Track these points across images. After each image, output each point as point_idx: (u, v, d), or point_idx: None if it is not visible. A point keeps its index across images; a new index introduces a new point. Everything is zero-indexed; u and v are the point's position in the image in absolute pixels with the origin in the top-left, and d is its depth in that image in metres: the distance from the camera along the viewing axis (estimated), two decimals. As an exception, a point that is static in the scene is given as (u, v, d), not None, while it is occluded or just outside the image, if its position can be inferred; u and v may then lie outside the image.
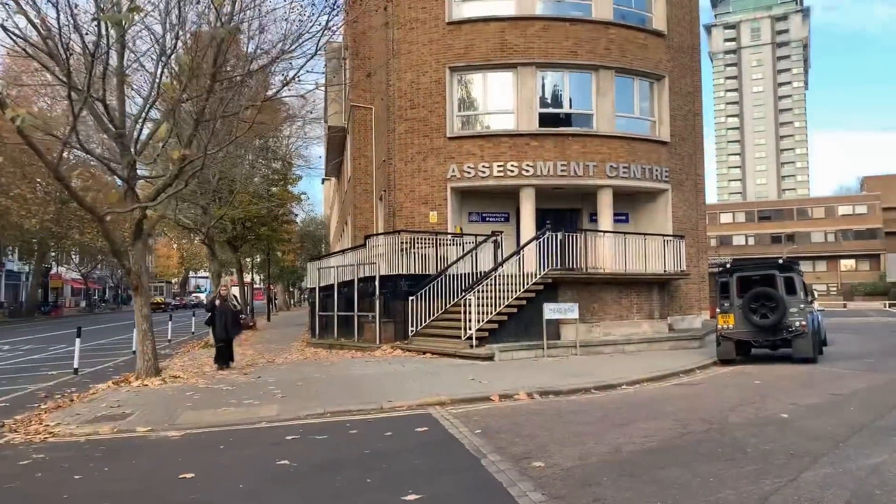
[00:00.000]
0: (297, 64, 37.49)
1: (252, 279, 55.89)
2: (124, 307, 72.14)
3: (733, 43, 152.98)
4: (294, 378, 12.60)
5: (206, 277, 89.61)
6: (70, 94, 9.19)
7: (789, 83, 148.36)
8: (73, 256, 64.05)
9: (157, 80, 11.73)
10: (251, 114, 13.63)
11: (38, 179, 41.12)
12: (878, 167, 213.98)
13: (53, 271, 65.32)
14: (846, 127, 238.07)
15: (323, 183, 63.50)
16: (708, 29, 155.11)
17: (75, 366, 15.34)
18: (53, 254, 58.91)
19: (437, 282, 17.20)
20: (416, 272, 18.05)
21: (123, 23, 8.65)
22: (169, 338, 24.80)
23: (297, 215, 42.94)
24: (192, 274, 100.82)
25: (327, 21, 11.50)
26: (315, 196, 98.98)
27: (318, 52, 12.10)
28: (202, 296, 79.45)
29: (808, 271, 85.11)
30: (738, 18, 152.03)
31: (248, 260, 47.99)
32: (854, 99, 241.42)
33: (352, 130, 25.01)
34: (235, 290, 29.02)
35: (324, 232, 63.80)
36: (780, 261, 15.27)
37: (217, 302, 15.02)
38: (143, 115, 11.81)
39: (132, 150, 12.48)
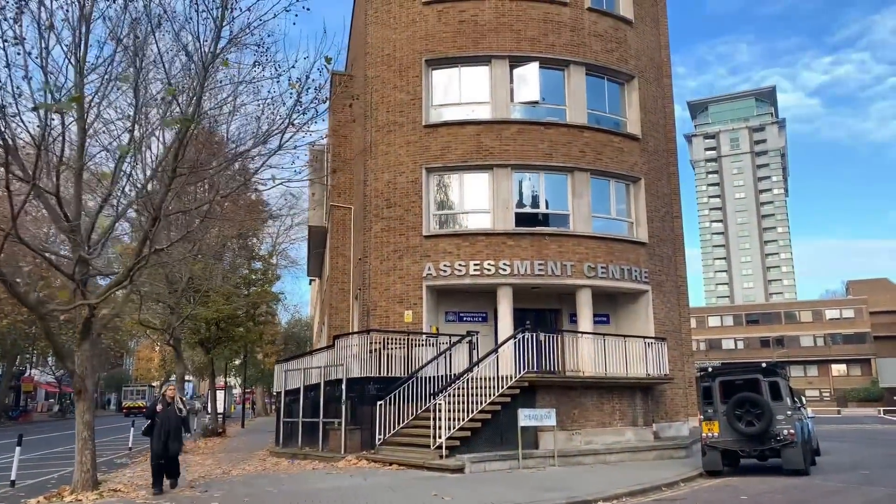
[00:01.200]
0: (269, 162, 37.86)
1: (227, 383, 54.09)
2: (100, 412, 69.49)
3: (714, 152, 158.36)
4: (242, 494, 11.54)
5: (189, 381, 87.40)
6: (8, 184, 8.78)
7: (770, 190, 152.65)
8: (49, 359, 62.29)
9: (114, 175, 11.41)
10: (217, 211, 13.23)
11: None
12: (861, 273, 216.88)
13: (26, 374, 63.27)
14: (828, 234, 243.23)
15: (310, 284, 63.01)
16: (689, 138, 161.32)
17: (12, 477, 14.17)
18: (27, 356, 57.19)
19: (409, 385, 16.37)
20: (389, 374, 17.25)
21: (64, 112, 8.38)
22: (129, 445, 23.38)
23: (274, 315, 42.03)
24: (172, 378, 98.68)
25: (288, 116, 11.35)
26: (302, 297, 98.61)
27: (282, 149, 11.91)
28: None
29: (799, 376, 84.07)
30: (717, 129, 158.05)
31: (226, 363, 46.55)
32: (833, 207, 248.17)
33: (331, 230, 24.85)
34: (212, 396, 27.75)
35: (309, 334, 62.71)
36: (764, 365, 14.62)
37: (158, 407, 12.40)
38: (99, 209, 11.40)
39: (86, 245, 11.99)
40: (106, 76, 10.58)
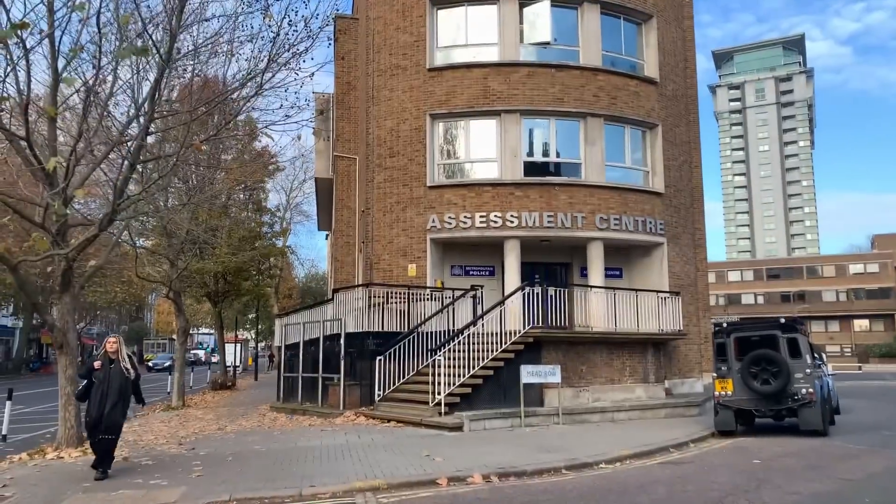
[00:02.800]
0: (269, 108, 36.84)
1: (238, 336, 54.21)
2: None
3: (738, 103, 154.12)
4: (228, 452, 11.10)
5: (210, 334, 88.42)
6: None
7: (795, 142, 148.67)
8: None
9: (84, 120, 10.66)
10: (203, 158, 12.49)
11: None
12: (887, 227, 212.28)
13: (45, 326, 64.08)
14: (854, 188, 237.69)
15: (326, 238, 62.64)
16: (712, 89, 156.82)
17: (3, 432, 13.95)
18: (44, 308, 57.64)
19: (410, 340, 15.79)
20: (390, 329, 16.68)
21: (7, 38, 7.62)
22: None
23: (285, 269, 41.65)
24: (193, 330, 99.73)
25: (269, 53, 10.47)
26: (320, 251, 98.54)
27: (263, 89, 11.06)
28: (200, 353, 77.92)
29: (820, 331, 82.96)
30: (743, 79, 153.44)
31: (236, 317, 46.52)
32: (860, 160, 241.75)
33: (336, 182, 24.08)
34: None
35: (325, 288, 62.72)
36: (783, 320, 13.77)
37: (96, 364, 9.22)
38: (72, 151, 10.68)
39: (65, 195, 11.33)
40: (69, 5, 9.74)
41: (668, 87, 20.65)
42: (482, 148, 19.35)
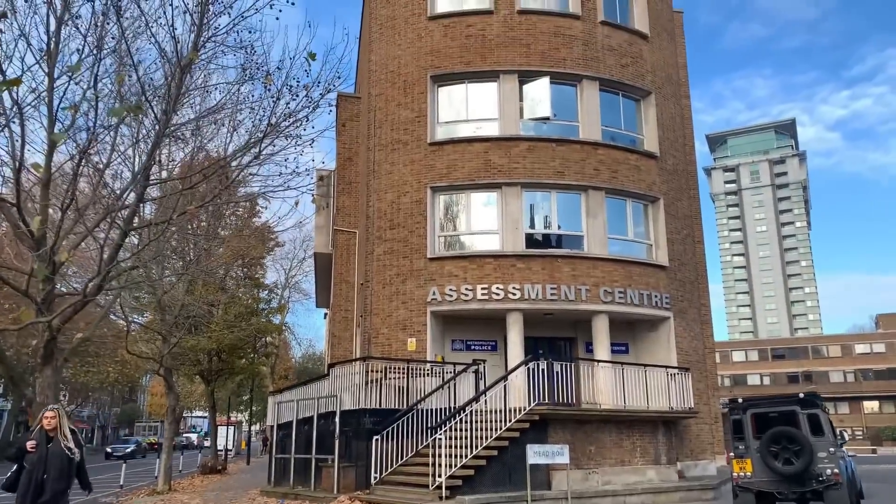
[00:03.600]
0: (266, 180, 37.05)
1: (231, 418, 52.54)
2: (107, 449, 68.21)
3: (734, 185, 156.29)
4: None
5: (203, 417, 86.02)
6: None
7: (792, 223, 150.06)
8: (63, 392, 61.46)
9: (74, 184, 10.41)
10: (201, 230, 12.20)
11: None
12: (888, 308, 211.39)
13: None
14: (852, 268, 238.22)
15: (325, 318, 61.75)
16: (708, 172, 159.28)
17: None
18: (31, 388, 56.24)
19: (409, 418, 15.06)
20: (388, 406, 15.92)
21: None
22: (121, 483, 22.12)
23: (277, 348, 40.81)
24: (186, 413, 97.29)
25: (269, 119, 10.34)
26: (317, 331, 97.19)
27: (262, 157, 10.88)
28: (193, 436, 75.62)
29: (829, 413, 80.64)
30: (737, 161, 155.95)
31: (229, 397, 45.29)
32: (857, 241, 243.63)
33: (335, 256, 23.80)
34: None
35: (323, 369, 61.54)
36: (802, 395, 13.09)
37: (30, 444, 7.31)
38: (61, 218, 10.37)
39: (52, 261, 10.94)
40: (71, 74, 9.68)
41: (668, 162, 20.68)
42: (483, 220, 19.19)
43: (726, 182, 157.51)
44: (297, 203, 19.90)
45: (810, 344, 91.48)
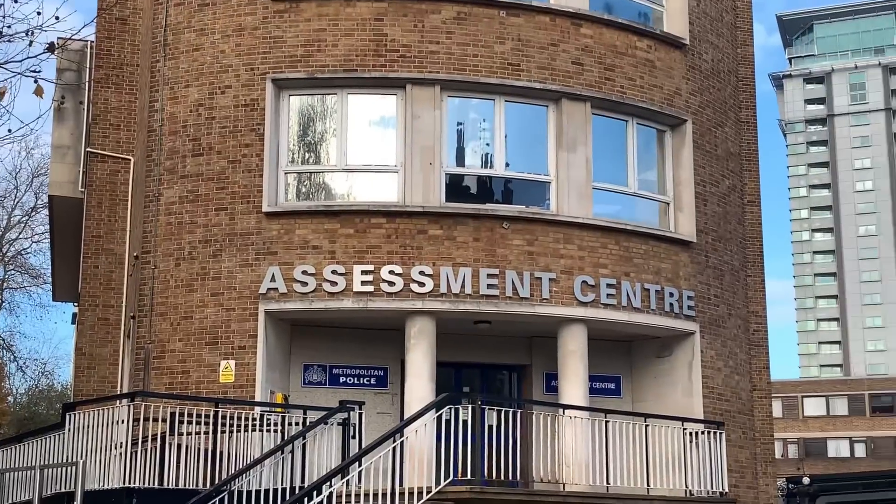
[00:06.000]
0: None
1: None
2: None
3: (821, 105, 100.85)
4: None
5: None
6: None
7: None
8: None
9: None
10: None
11: None
12: None
13: None
14: None
15: (74, 322, 27.38)
16: (777, 80, 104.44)
17: None
18: None
19: (214, 507, 9.82)
20: (181, 486, 10.63)
21: None
22: None
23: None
24: None
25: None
26: (57, 345, 67.69)
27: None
28: None
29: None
30: (828, 66, 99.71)
31: None
32: None
33: (89, 205, 15.03)
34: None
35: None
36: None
37: None
38: None
39: None
40: None
41: (704, 56, 14.28)
42: (371, 147, 13.02)
43: (808, 101, 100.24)
44: (39, 92, 11.10)
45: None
